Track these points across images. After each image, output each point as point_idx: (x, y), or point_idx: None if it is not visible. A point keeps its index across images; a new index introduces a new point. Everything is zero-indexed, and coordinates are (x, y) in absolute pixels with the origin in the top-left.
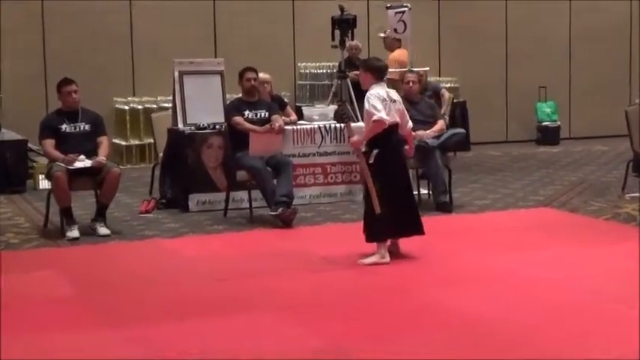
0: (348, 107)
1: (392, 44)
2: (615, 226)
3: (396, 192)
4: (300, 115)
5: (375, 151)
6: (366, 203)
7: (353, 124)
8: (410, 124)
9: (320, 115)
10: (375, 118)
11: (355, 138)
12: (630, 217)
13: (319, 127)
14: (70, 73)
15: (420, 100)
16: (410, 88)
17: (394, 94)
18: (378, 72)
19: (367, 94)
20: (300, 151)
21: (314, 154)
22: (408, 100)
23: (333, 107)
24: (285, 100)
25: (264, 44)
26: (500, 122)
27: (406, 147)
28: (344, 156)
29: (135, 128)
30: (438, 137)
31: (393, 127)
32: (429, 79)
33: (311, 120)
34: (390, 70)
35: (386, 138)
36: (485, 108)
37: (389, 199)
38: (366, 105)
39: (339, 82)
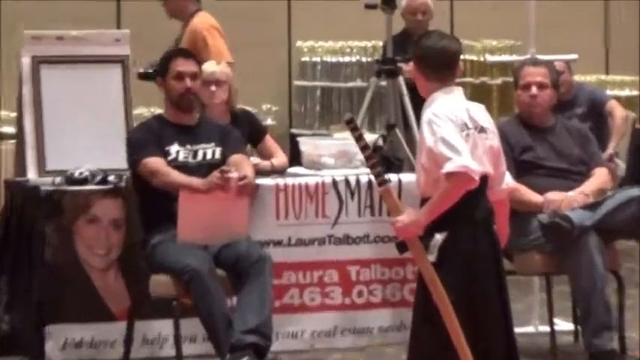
0: (400, 138)
1: (178, 2)
2: None
3: (479, 322)
4: (295, 155)
5: (441, 237)
6: (421, 347)
7: (405, 178)
8: (508, 180)
9: (338, 155)
10: (451, 168)
11: (404, 216)
12: None
13: (334, 182)
14: None
15: (556, 125)
16: (531, 98)
17: (480, 113)
18: (438, 64)
19: (427, 112)
20: (293, 234)
21: (323, 242)
22: (529, 126)
23: (372, 137)
24: (266, 121)
25: (221, 3)
26: None
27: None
28: (387, 246)
29: None
30: (594, 206)
31: (482, 186)
32: (575, 78)
33: (317, 166)
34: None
35: (464, 209)
36: None
37: (466, 336)
38: (428, 139)
39: (384, 82)
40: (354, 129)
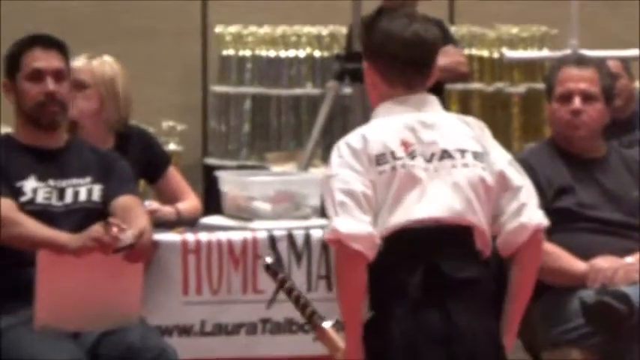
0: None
1: None
2: None
3: None
4: (213, 198)
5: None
6: None
7: None
8: (532, 215)
9: (277, 198)
10: (325, 234)
11: (340, 355)
12: None
13: (272, 240)
14: None
15: (609, 156)
16: (573, 115)
17: (449, 129)
18: (408, 61)
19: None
20: (209, 317)
21: (254, 330)
22: (568, 156)
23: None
24: (168, 146)
25: None
26: None
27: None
28: None
29: None
30: None
31: (425, 245)
32: (638, 86)
33: (246, 215)
34: None
35: (390, 279)
36: None
37: None
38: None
39: (348, 88)
40: (276, 275)
